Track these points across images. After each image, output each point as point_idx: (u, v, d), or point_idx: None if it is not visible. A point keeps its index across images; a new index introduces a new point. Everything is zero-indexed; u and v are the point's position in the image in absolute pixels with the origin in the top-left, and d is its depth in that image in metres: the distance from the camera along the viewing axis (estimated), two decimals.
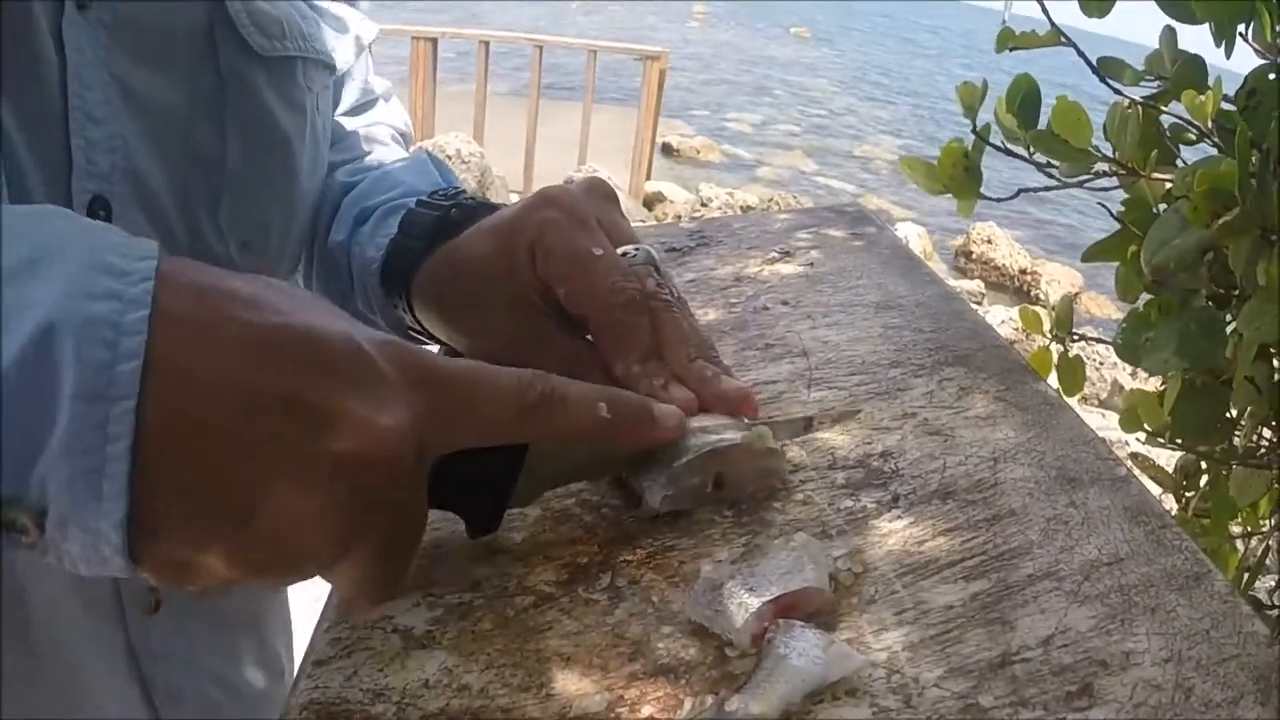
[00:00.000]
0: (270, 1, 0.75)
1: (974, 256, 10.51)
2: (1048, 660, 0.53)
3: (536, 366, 0.70)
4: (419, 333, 0.80)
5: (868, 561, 0.59)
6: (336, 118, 0.96)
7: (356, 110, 0.99)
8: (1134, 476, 0.69)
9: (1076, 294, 9.74)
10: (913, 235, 9.42)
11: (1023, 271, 10.35)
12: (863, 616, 0.55)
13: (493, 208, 0.78)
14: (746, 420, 0.65)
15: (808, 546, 0.56)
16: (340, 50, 0.86)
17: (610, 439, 0.58)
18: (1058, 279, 10.17)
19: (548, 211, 0.70)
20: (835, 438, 0.71)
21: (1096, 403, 6.64)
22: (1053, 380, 1.31)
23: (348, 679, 0.51)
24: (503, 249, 0.70)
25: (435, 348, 0.81)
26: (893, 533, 0.62)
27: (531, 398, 0.54)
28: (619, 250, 0.70)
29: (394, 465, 0.46)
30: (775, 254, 1.02)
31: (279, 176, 0.79)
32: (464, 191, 0.81)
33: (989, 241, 10.48)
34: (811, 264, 1.00)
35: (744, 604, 0.52)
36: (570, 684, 0.51)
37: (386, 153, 0.97)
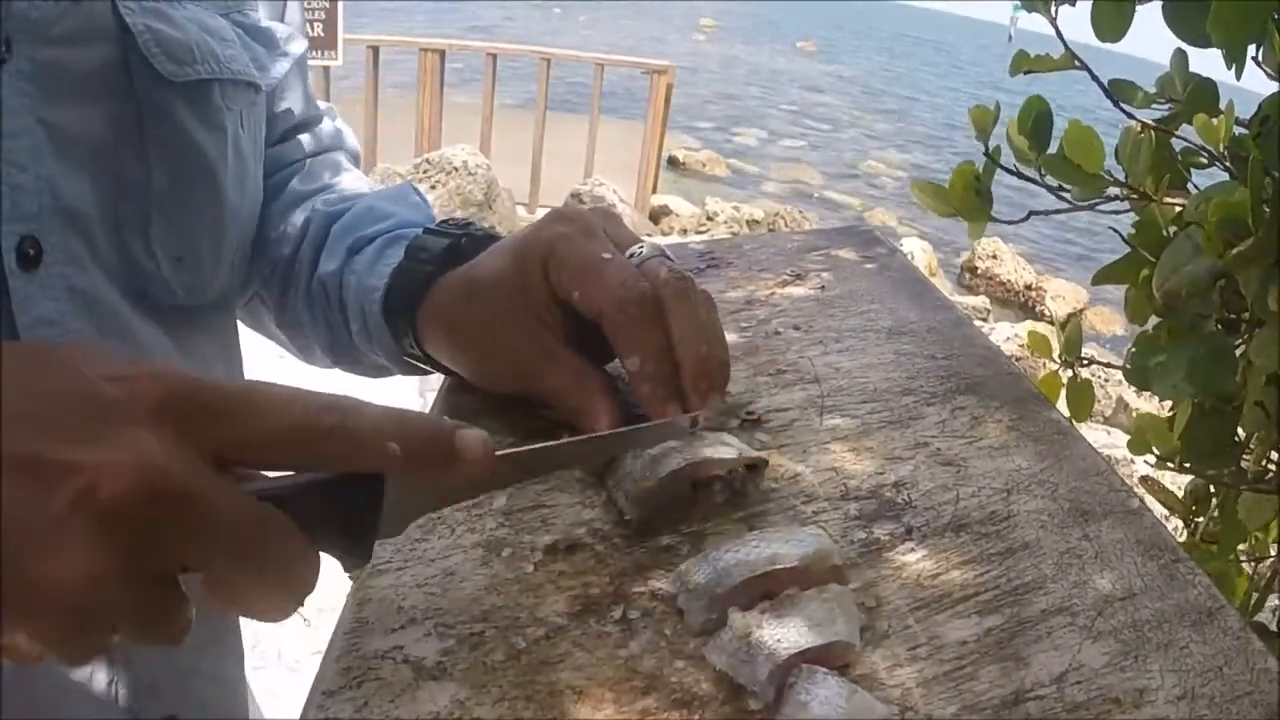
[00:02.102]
0: (179, 27, 0.76)
1: (979, 272, 10.52)
2: (1061, 698, 0.53)
3: (544, 385, 0.72)
4: (419, 359, 0.82)
5: (881, 596, 0.59)
6: (288, 142, 0.98)
7: (301, 128, 1.00)
8: (1147, 509, 0.69)
9: (1082, 310, 9.74)
10: (918, 251, 9.42)
11: (1028, 287, 10.35)
12: (876, 652, 0.55)
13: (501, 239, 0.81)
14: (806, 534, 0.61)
15: (840, 598, 0.56)
16: (270, 67, 0.88)
17: (406, 473, 0.54)
18: (1063, 294, 10.18)
19: (558, 226, 0.73)
20: (848, 466, 0.71)
21: (1102, 419, 6.63)
22: (1061, 404, 1.31)
23: (358, 710, 0.51)
24: (516, 264, 0.73)
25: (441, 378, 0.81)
26: (906, 566, 0.62)
27: (321, 426, 0.50)
28: (626, 252, 0.73)
29: (151, 493, 0.45)
30: (787, 276, 1.02)
31: (204, 196, 0.81)
32: (474, 223, 0.83)
33: (994, 257, 10.49)
34: (823, 287, 1.00)
35: (771, 655, 0.52)
36: (583, 719, 0.51)
37: (357, 181, 1.00)
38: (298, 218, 0.93)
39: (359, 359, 0.91)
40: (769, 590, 0.56)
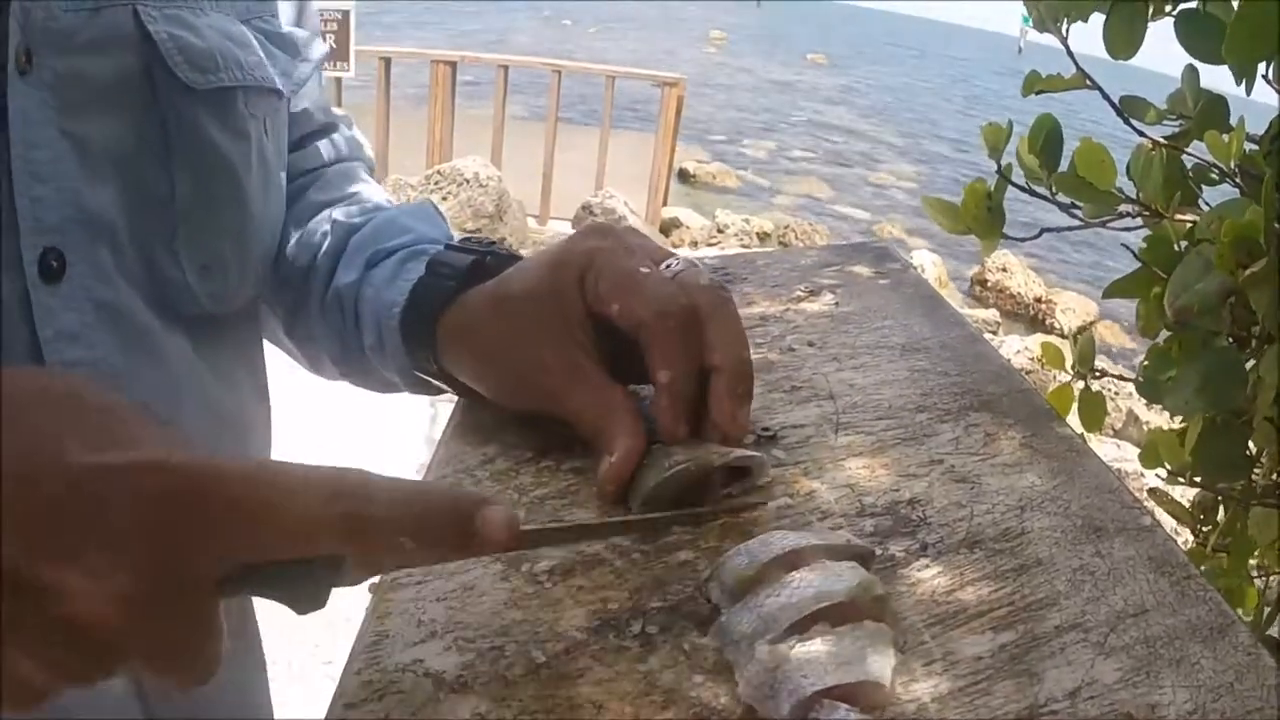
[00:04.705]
0: (201, 35, 0.76)
1: (989, 285, 10.51)
2: (1075, 713, 0.53)
3: (567, 402, 0.72)
4: (433, 376, 0.82)
5: (896, 612, 0.59)
6: (305, 149, 0.99)
7: (318, 134, 1.01)
8: (1158, 525, 0.69)
9: (1092, 323, 9.73)
10: (928, 263, 9.43)
11: (1038, 300, 10.35)
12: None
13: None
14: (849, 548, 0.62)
15: (876, 635, 0.55)
16: (292, 74, 0.89)
17: (420, 561, 0.54)
18: (1073, 307, 10.17)
19: (594, 240, 0.74)
20: (863, 483, 0.72)
21: (1111, 432, 6.61)
22: (1072, 416, 1.31)
23: None
24: (551, 277, 0.73)
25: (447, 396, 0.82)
26: (921, 582, 0.62)
27: (329, 519, 0.47)
28: (662, 265, 0.73)
29: (125, 621, 0.44)
30: (800, 292, 1.02)
31: (228, 203, 0.81)
32: (496, 243, 0.84)
33: (1004, 270, 10.48)
34: (837, 303, 1.00)
35: (795, 690, 0.51)
36: None
37: (375, 192, 1.00)
38: (315, 227, 0.94)
39: (369, 373, 0.91)
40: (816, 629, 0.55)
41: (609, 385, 0.71)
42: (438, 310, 0.78)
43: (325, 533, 0.47)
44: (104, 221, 0.71)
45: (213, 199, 0.79)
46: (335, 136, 1.03)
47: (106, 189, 0.71)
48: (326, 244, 0.92)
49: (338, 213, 0.94)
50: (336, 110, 1.05)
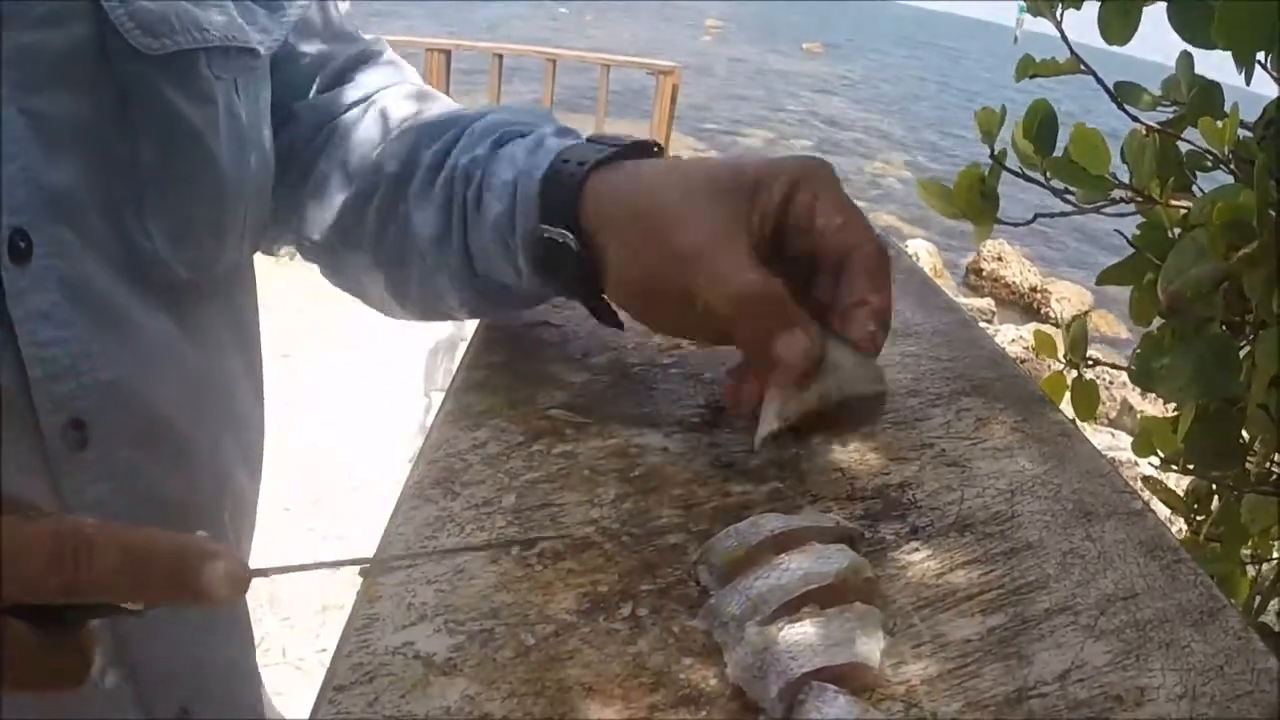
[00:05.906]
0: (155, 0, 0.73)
1: (984, 274, 10.52)
2: (1064, 695, 0.54)
3: (718, 291, 0.68)
4: (553, 251, 0.77)
5: (886, 594, 0.59)
6: (345, 85, 0.95)
7: (354, 66, 0.97)
8: (1150, 510, 0.69)
9: (1086, 312, 9.74)
10: (923, 252, 9.43)
11: (1033, 289, 10.35)
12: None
13: None
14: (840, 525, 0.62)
15: (865, 617, 0.54)
16: (273, 29, 0.86)
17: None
18: (1068, 296, 10.18)
19: (803, 163, 0.71)
20: (854, 466, 0.72)
21: (1106, 421, 6.62)
22: (1065, 405, 1.31)
23: (370, 704, 0.52)
24: (755, 166, 0.71)
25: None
26: (911, 565, 0.62)
27: (49, 587, 0.48)
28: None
29: None
30: None
31: (196, 171, 0.78)
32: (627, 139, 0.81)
33: (999, 259, 10.49)
34: None
35: (783, 672, 0.51)
36: (592, 715, 0.51)
37: (448, 102, 0.97)
38: (405, 136, 0.89)
39: (464, 259, 0.85)
40: (805, 611, 0.55)
41: (776, 284, 0.67)
42: (586, 173, 0.75)
43: (49, 596, 0.48)
44: (69, 198, 0.69)
45: (178, 167, 0.76)
46: (381, 64, 0.99)
47: (70, 164, 0.69)
48: (429, 141, 0.87)
49: (424, 118, 0.90)
50: (370, 36, 1.00)
